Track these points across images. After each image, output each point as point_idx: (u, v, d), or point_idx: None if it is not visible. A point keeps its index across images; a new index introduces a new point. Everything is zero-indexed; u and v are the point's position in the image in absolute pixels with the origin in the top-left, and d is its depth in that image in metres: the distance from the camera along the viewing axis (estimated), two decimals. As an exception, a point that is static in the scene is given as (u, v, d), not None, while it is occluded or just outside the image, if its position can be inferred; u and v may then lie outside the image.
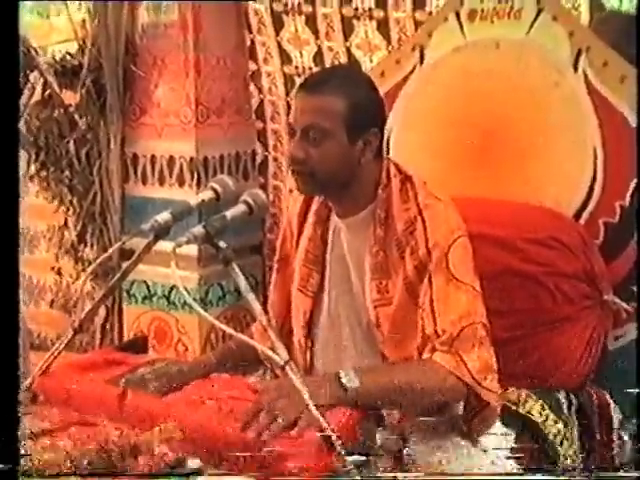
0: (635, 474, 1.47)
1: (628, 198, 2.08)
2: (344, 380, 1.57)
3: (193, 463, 1.49)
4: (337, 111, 1.70)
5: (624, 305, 2.07)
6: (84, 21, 2.80)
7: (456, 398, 1.68)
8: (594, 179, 2.12)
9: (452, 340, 1.66)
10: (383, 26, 2.49)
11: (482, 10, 2.21)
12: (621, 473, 1.52)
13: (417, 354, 1.70)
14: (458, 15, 2.26)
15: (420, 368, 1.68)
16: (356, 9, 2.54)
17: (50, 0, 2.93)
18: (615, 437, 2.02)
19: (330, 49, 2.60)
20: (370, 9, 2.51)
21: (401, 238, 1.73)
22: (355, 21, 2.54)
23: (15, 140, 1.59)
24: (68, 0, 2.85)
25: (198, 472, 1.48)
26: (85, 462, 1.45)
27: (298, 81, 2.68)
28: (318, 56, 2.63)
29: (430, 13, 2.38)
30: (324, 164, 1.72)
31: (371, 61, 2.48)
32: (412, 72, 2.35)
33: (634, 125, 2.05)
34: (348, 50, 2.57)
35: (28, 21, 2.99)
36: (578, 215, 2.15)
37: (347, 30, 2.56)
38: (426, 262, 1.70)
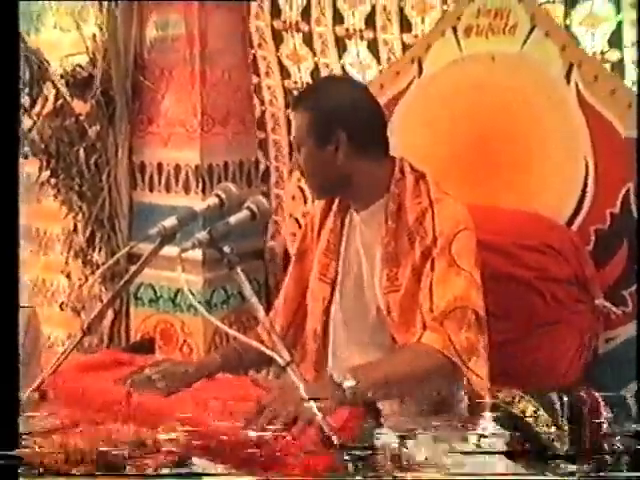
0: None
1: (618, 206, 2.12)
2: (339, 381, 1.60)
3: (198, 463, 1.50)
4: (303, 124, 1.85)
5: (614, 309, 2.12)
6: (94, 35, 2.83)
7: (445, 377, 1.73)
8: (585, 187, 2.16)
9: (443, 317, 1.72)
10: (373, 46, 2.54)
11: (478, 26, 2.26)
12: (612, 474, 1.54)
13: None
14: (455, 30, 2.31)
15: (411, 354, 1.74)
16: (347, 29, 2.58)
17: (49, 0, 2.97)
18: (605, 437, 2.07)
19: (326, 65, 2.64)
20: (361, 30, 2.55)
21: (412, 229, 1.82)
22: (347, 40, 2.59)
23: (16, 144, 1.62)
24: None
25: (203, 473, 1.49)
26: (92, 460, 1.47)
27: (297, 95, 2.75)
28: (315, 72, 2.67)
29: (416, 36, 2.43)
30: (310, 171, 1.87)
31: (364, 79, 2.51)
32: (411, 84, 2.41)
33: (623, 136, 2.09)
34: (343, 68, 2.61)
35: (42, 35, 3.03)
36: (570, 222, 2.19)
37: (340, 48, 2.61)
38: (431, 248, 1.78)
